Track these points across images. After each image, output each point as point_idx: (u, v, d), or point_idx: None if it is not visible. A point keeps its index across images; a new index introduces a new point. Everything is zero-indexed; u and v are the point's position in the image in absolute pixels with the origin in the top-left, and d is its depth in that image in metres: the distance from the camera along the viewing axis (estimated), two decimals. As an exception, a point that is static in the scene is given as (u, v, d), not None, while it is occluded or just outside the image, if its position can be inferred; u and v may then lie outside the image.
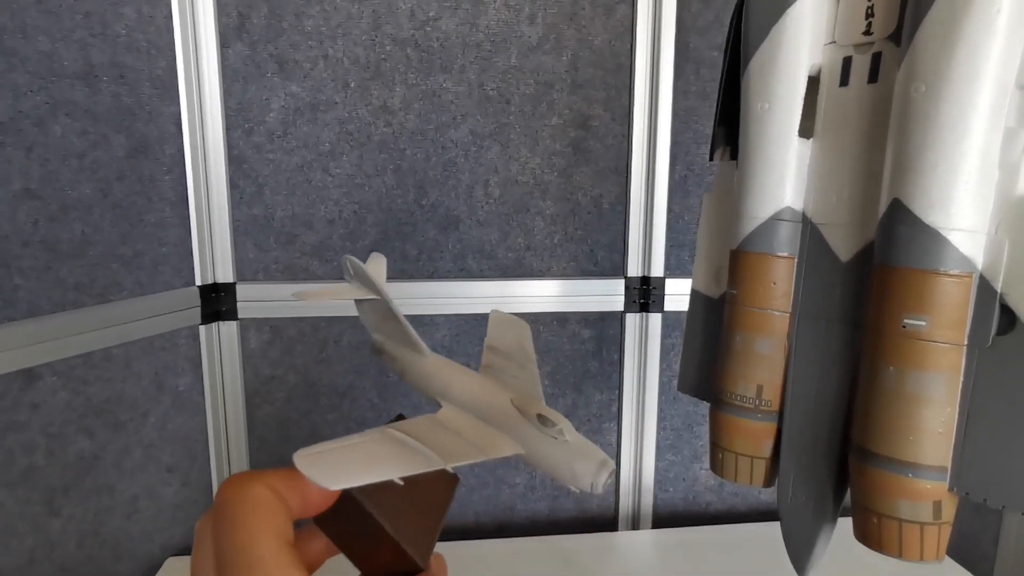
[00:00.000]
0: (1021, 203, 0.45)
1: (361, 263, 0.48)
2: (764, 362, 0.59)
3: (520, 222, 1.08)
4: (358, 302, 0.51)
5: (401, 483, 0.31)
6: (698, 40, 1.05)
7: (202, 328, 1.03)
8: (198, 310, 1.02)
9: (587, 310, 1.11)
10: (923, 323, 0.47)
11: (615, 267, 1.11)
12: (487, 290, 1.08)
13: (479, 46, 1.02)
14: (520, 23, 1.02)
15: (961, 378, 0.47)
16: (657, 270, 1.10)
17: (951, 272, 0.46)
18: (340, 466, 0.30)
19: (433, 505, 0.35)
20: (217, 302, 1.05)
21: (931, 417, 0.47)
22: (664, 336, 1.12)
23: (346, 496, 0.31)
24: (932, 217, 0.46)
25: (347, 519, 0.31)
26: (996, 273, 0.46)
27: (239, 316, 1.06)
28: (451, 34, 1.01)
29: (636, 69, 1.05)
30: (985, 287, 0.46)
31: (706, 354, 0.68)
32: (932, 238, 0.46)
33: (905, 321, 0.47)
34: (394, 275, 1.07)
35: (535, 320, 1.11)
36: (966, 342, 0.47)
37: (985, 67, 0.44)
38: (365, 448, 0.33)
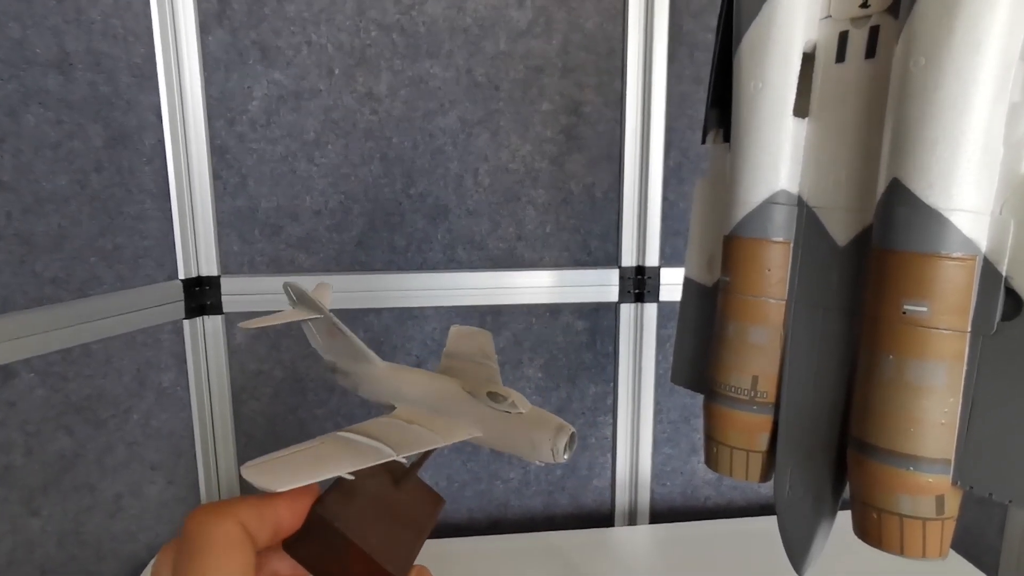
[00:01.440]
0: (1027, 181, 0.43)
1: (301, 286, 0.48)
2: (759, 352, 0.57)
3: (511, 211, 1.06)
4: (306, 328, 0.51)
5: (351, 478, 0.30)
6: (692, 23, 1.02)
7: (186, 323, 1.01)
8: (182, 304, 1.00)
9: (581, 301, 1.09)
10: (924, 309, 0.44)
11: (609, 257, 1.09)
12: (478, 281, 1.06)
13: (466, 31, 1.00)
14: (508, 6, 1.00)
15: (964, 366, 0.45)
16: (652, 259, 1.08)
17: (953, 255, 0.44)
18: (287, 469, 0.28)
19: (413, 523, 0.33)
20: (201, 296, 1.02)
21: (932, 408, 0.45)
22: (660, 327, 1.10)
23: (314, 516, 0.30)
24: (933, 198, 0.44)
25: (316, 540, 0.30)
26: (1001, 256, 0.43)
27: (224, 310, 1.04)
28: (437, 18, 0.99)
29: (629, 53, 1.02)
30: (989, 270, 0.44)
31: (700, 344, 0.65)
32: (933, 219, 0.44)
33: (905, 307, 0.45)
34: (383, 267, 1.05)
35: (528, 312, 1.09)
36: (969, 328, 0.44)
37: (988, 39, 0.42)
38: (313, 451, 0.31)
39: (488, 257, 1.07)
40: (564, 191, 1.06)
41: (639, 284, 1.08)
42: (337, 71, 0.99)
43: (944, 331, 0.44)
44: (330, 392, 1.09)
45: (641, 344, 1.10)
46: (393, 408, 0.42)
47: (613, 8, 1.01)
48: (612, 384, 1.13)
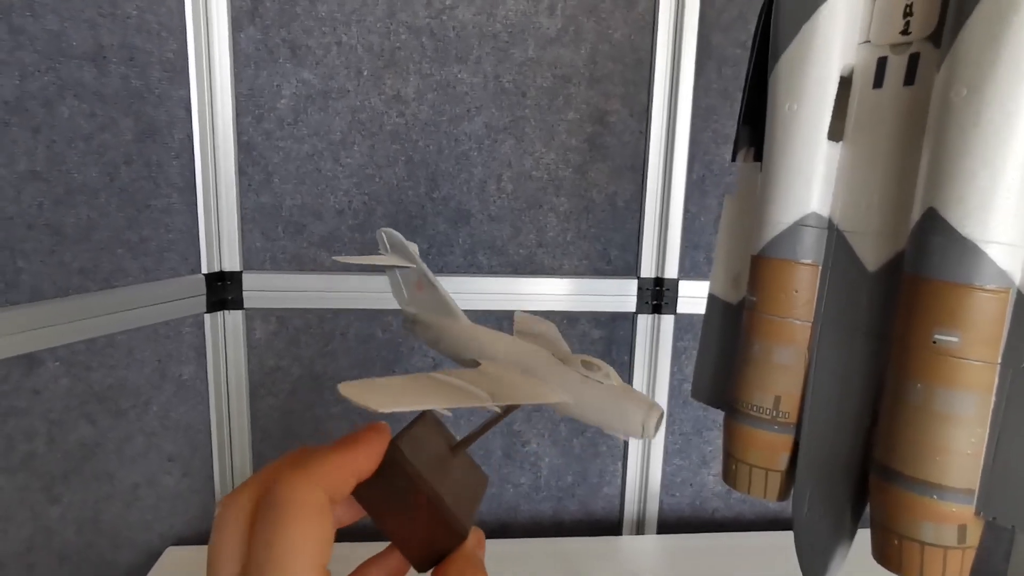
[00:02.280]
0: (1065, 216, 0.43)
1: (398, 234, 0.48)
2: (783, 372, 0.57)
3: (533, 218, 1.06)
4: (391, 276, 0.50)
5: (449, 414, 0.30)
6: (721, 37, 1.02)
7: (207, 316, 1.02)
8: (203, 298, 1.01)
9: (598, 310, 1.09)
10: (955, 339, 0.45)
11: (628, 267, 1.09)
12: (497, 286, 1.06)
13: (496, 37, 1.00)
14: (539, 14, 1.00)
15: (993, 398, 0.45)
16: (671, 271, 1.08)
17: (987, 287, 0.44)
18: (390, 393, 0.29)
19: (469, 488, 0.34)
20: (223, 290, 1.03)
21: (960, 437, 0.45)
22: (676, 339, 1.10)
23: (393, 457, 0.29)
24: (969, 228, 0.44)
25: (388, 483, 0.29)
26: (1035, 290, 0.44)
27: (245, 305, 1.04)
28: (467, 24, 0.99)
29: (656, 65, 1.02)
30: (1022, 304, 0.44)
31: (722, 361, 0.66)
32: (968, 250, 0.44)
33: (936, 336, 0.45)
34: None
35: (545, 318, 1.09)
36: (1000, 361, 0.44)
37: (1033, 71, 0.42)
38: (412, 382, 0.32)
39: (508, 263, 1.07)
40: (586, 200, 1.06)
41: (657, 295, 1.08)
42: (366, 72, 0.99)
43: (975, 362, 0.45)
44: (346, 390, 1.09)
45: (657, 355, 1.10)
46: (477, 365, 0.41)
47: (642, 20, 1.01)
48: (626, 393, 1.13)
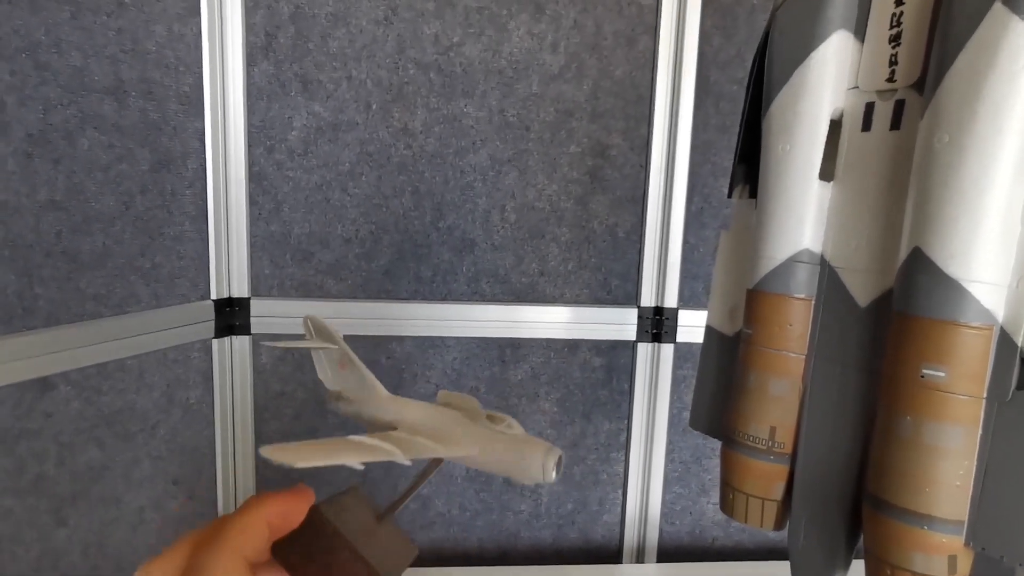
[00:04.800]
0: (1044, 257, 0.45)
1: (320, 319, 0.52)
2: (778, 403, 0.59)
3: (535, 248, 1.08)
4: (317, 358, 0.54)
5: (361, 467, 0.33)
6: (719, 74, 1.06)
7: (215, 342, 1.04)
8: (212, 324, 1.03)
9: (599, 338, 1.11)
10: (942, 374, 0.46)
11: (628, 296, 1.11)
12: (500, 314, 1.08)
13: (501, 72, 1.03)
14: (543, 51, 1.04)
15: (980, 431, 0.47)
16: (671, 301, 1.10)
17: (971, 324, 0.46)
18: (304, 452, 0.32)
19: (392, 556, 0.35)
20: (231, 316, 1.05)
21: (948, 469, 0.47)
22: (676, 367, 1.12)
23: (314, 516, 0.32)
24: (953, 268, 0.46)
25: (308, 542, 0.32)
26: (1017, 327, 0.45)
27: (252, 331, 1.06)
28: (474, 60, 1.03)
29: (656, 101, 1.05)
30: (1005, 340, 0.46)
31: (719, 392, 0.67)
32: (953, 289, 0.46)
33: (924, 371, 0.47)
34: (408, 296, 1.08)
35: (546, 346, 1.11)
36: (985, 395, 0.46)
37: (1010, 122, 0.44)
38: (328, 442, 0.35)
39: (511, 291, 1.09)
40: (587, 230, 1.09)
41: (657, 324, 1.10)
42: (375, 106, 1.03)
43: (961, 396, 0.46)
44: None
45: (657, 383, 1.12)
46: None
47: (643, 57, 1.05)
48: (626, 421, 1.14)
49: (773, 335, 0.59)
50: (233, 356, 1.06)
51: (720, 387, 0.67)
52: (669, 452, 1.15)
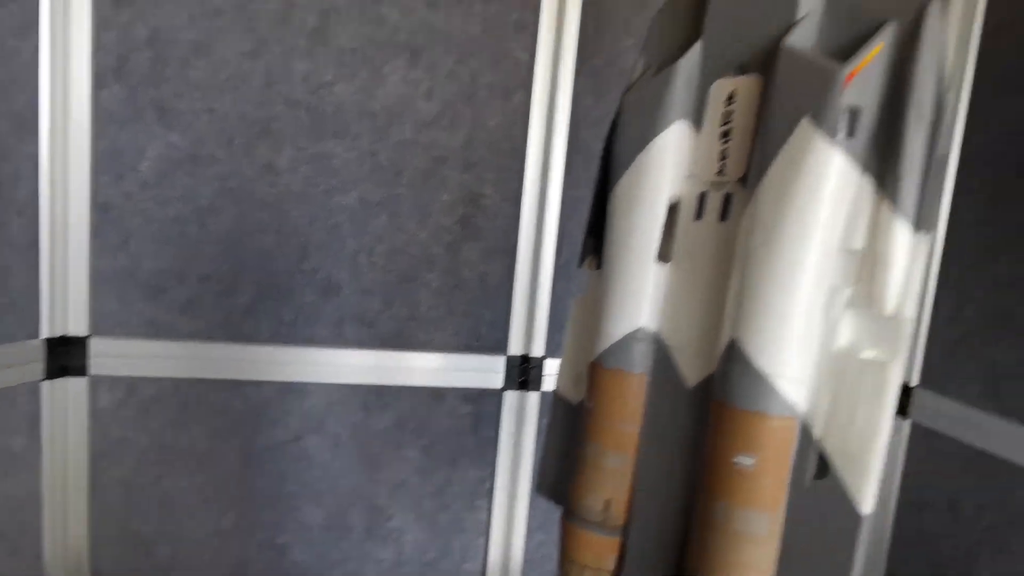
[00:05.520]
0: (840, 356, 0.49)
1: None
2: (613, 476, 0.60)
3: (405, 292, 1.07)
4: None
5: None
6: (589, 133, 1.09)
7: (45, 384, 0.95)
8: (42, 364, 0.93)
9: (467, 386, 1.11)
10: (750, 462, 0.49)
11: (497, 344, 1.11)
12: (365, 360, 1.06)
13: (375, 116, 1.02)
14: (417, 98, 1.03)
15: (781, 517, 0.50)
16: (538, 349, 1.11)
17: (777, 416, 0.49)
18: None
19: None
20: (65, 356, 0.96)
21: (756, 554, 0.49)
22: (542, 415, 1.13)
23: None
24: (762, 362, 0.49)
25: None
26: (815, 419, 0.49)
27: (90, 372, 0.98)
28: (346, 101, 1.00)
29: (529, 154, 1.07)
30: (806, 432, 0.49)
31: (562, 459, 0.68)
32: (761, 382, 0.49)
33: (735, 459, 0.50)
34: (268, 338, 1.03)
35: (413, 393, 1.09)
36: (788, 482, 0.49)
37: (813, 229, 0.48)
38: None
39: (378, 336, 1.07)
40: (458, 277, 1.08)
41: (524, 372, 1.11)
42: (238, 141, 0.98)
43: (767, 484, 0.49)
44: (200, 463, 1.04)
45: (522, 431, 1.12)
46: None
47: (517, 111, 1.07)
48: (491, 468, 1.14)
49: (610, 409, 0.60)
50: (67, 399, 0.97)
51: (564, 455, 0.68)
52: (533, 499, 1.16)
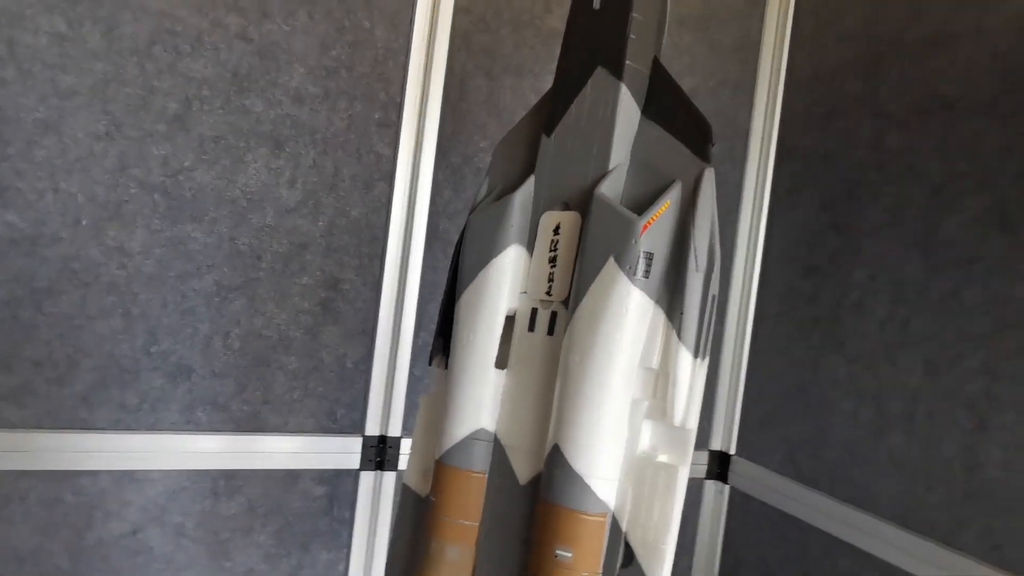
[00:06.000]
0: (641, 459, 0.58)
1: None
2: (454, 570, 0.65)
3: (260, 376, 1.07)
4: None
5: None
6: (448, 223, 1.17)
7: None
8: None
9: (322, 468, 1.11)
10: (569, 555, 0.56)
11: (354, 424, 1.13)
12: (215, 444, 1.04)
13: (235, 202, 1.03)
14: (280, 186, 1.06)
15: (597, 601, 0.57)
16: (395, 429, 1.14)
17: (591, 512, 0.56)
18: None
19: None
20: None
21: (573, 636, 0.56)
22: (398, 494, 1.15)
23: None
24: (579, 466, 0.57)
25: None
26: (623, 514, 0.57)
27: None
28: (206, 186, 1.01)
29: (389, 242, 1.13)
30: (615, 526, 0.57)
31: (411, 550, 0.72)
32: (578, 483, 0.57)
33: (557, 552, 0.56)
34: (108, 426, 0.98)
35: (266, 477, 1.08)
36: (600, 572, 0.57)
37: (619, 354, 0.57)
38: None
39: (231, 419, 1.05)
40: (316, 359, 1.10)
41: (381, 452, 1.14)
42: (85, 222, 0.95)
43: (584, 573, 0.56)
44: (22, 562, 0.96)
45: (378, 511, 1.14)
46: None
47: (379, 201, 1.12)
48: (346, 550, 1.14)
49: (451, 506, 0.66)
50: None
51: (411, 545, 0.72)
52: (387, 579, 1.17)
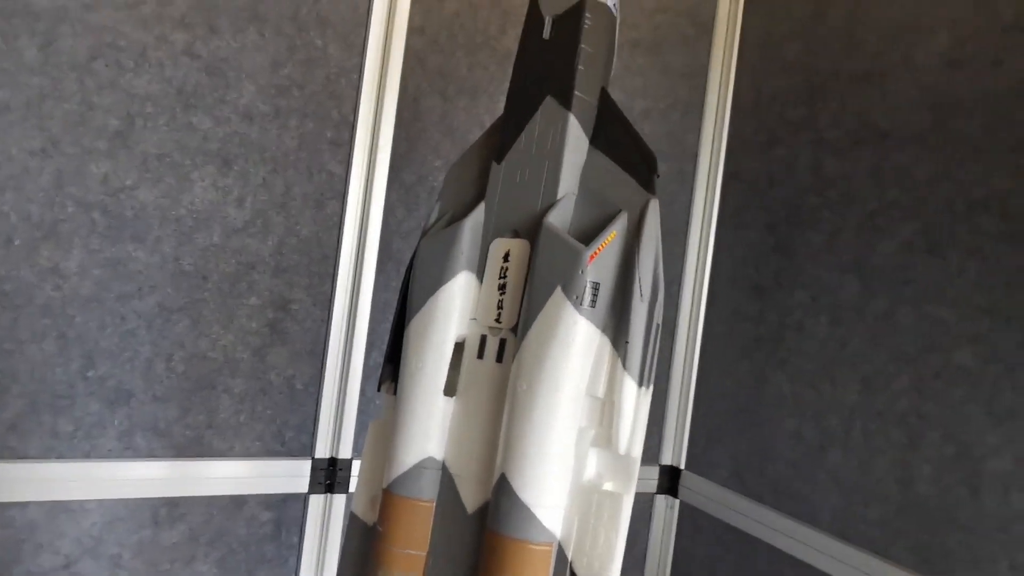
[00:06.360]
0: (587, 487, 0.58)
1: None
2: (401, 600, 0.64)
3: (203, 399, 1.04)
4: None
5: None
6: (401, 243, 1.16)
7: None
8: None
9: (269, 492, 1.09)
10: (516, 584, 0.56)
11: (303, 447, 1.11)
12: (156, 471, 1.00)
13: (179, 221, 1.01)
14: (227, 204, 1.04)
15: (544, 630, 0.57)
16: (346, 451, 1.13)
17: (537, 542, 0.57)
18: None
19: None
20: None
21: (520, 666, 0.56)
22: (347, 518, 1.13)
23: None
24: (526, 496, 0.57)
25: None
26: (568, 543, 0.57)
27: None
28: (148, 205, 0.99)
29: (341, 260, 1.12)
30: (561, 555, 0.57)
31: (358, 580, 0.71)
32: (525, 513, 0.57)
33: (503, 582, 0.56)
34: (39, 454, 0.94)
35: (209, 503, 1.05)
36: (547, 600, 0.57)
37: (565, 380, 0.58)
38: None
39: (172, 445, 1.02)
40: (264, 381, 1.08)
41: (331, 475, 1.12)
42: (18, 242, 0.92)
43: (530, 602, 0.56)
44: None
45: (327, 535, 1.12)
46: None
47: (330, 220, 1.11)
48: (293, 576, 1.12)
49: (400, 535, 0.65)
50: None
51: (358, 575, 0.71)
52: (336, 605, 1.14)
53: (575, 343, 0.57)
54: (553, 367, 0.57)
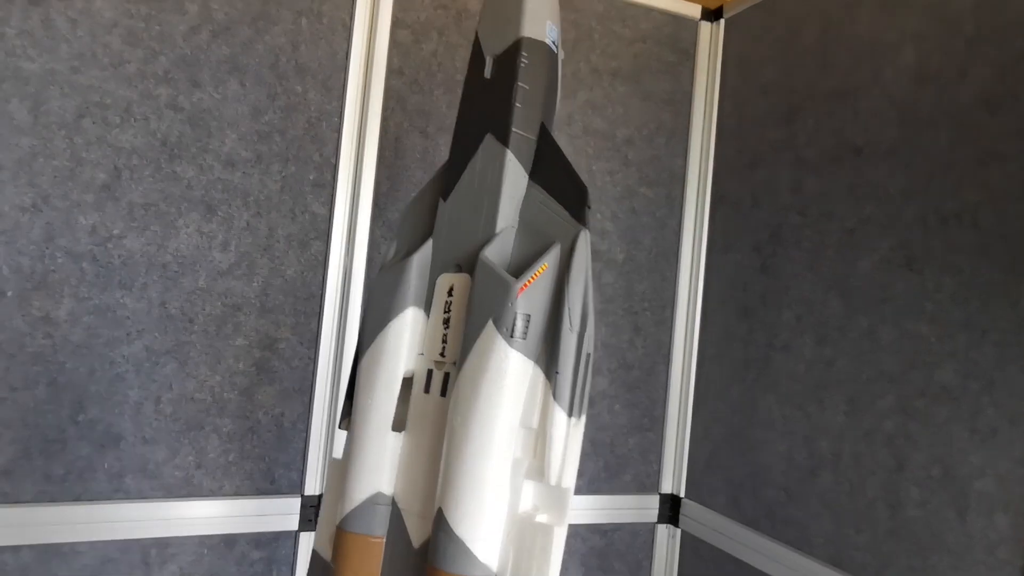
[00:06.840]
0: (522, 519, 0.58)
1: None
2: (353, 637, 0.64)
3: (192, 440, 1.06)
4: None
5: None
6: (383, 279, 1.18)
7: None
8: None
9: (260, 531, 1.10)
10: (454, 620, 0.56)
11: (293, 485, 1.13)
12: (146, 512, 1.03)
13: (165, 267, 1.05)
14: (212, 249, 1.07)
15: (485, 667, 0.56)
16: (334, 488, 1.13)
17: (474, 576, 0.56)
18: None
19: None
20: None
21: None
22: (337, 554, 1.14)
23: None
24: (461, 530, 0.57)
25: None
26: (504, 574, 0.57)
27: None
28: (135, 253, 1.03)
29: (326, 299, 1.14)
30: (500, 588, 0.57)
31: (318, 618, 0.71)
32: (461, 547, 0.57)
33: (442, 618, 0.56)
34: (32, 498, 0.97)
35: (200, 543, 1.07)
36: (486, 636, 0.56)
37: (498, 412, 0.58)
38: None
39: (162, 486, 1.05)
40: (252, 420, 1.10)
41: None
42: (10, 293, 0.96)
43: (468, 638, 0.56)
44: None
45: (318, 572, 1.12)
46: None
47: (315, 260, 1.14)
48: (285, 615, 1.12)
49: (350, 571, 0.65)
50: None
51: (319, 613, 0.71)
52: (330, 643, 1.14)
53: (507, 375, 0.57)
54: (487, 400, 0.57)
